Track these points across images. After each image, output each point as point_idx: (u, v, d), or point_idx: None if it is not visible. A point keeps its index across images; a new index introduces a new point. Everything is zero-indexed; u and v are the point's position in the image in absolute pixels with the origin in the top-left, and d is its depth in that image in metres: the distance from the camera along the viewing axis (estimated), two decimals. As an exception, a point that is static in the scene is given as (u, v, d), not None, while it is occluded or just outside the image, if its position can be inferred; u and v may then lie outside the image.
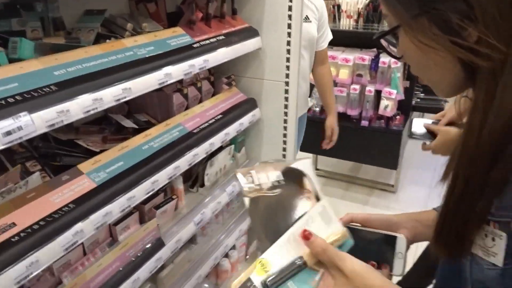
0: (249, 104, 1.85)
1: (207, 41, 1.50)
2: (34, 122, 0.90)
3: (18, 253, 0.92)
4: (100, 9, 1.33)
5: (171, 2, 1.72)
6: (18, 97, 0.90)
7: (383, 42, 0.72)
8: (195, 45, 1.44)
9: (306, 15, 2.14)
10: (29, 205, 1.01)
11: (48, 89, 0.97)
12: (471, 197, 0.61)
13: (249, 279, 0.65)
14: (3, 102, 0.88)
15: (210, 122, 1.60)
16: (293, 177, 0.76)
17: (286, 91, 1.87)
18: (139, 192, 1.24)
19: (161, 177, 1.33)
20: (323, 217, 0.71)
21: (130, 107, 1.60)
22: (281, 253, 0.67)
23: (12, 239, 0.93)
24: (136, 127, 1.46)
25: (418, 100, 3.78)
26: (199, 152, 1.49)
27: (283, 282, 0.66)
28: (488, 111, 0.58)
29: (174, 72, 1.31)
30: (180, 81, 1.64)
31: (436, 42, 0.61)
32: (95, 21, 1.29)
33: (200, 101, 1.74)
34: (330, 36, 2.50)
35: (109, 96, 1.09)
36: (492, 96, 0.58)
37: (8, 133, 0.85)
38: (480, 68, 0.60)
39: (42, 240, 0.97)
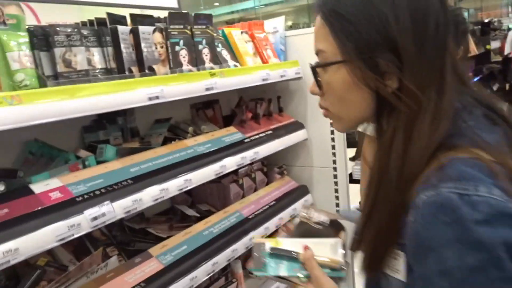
0: (300, 191, 1.98)
1: (257, 136, 1.72)
2: (114, 209, 1.10)
3: (98, 326, 1.07)
4: (167, 117, 1.62)
5: (227, 107, 2.00)
6: (103, 190, 1.13)
7: (314, 72, 0.80)
8: (246, 140, 1.66)
9: None
10: (108, 284, 1.18)
11: (125, 183, 1.19)
12: (387, 229, 0.72)
13: (264, 243, 0.97)
14: (91, 194, 1.10)
15: (265, 208, 1.75)
16: (336, 226, 1.03)
17: (335, 176, 1.99)
18: (201, 273, 1.37)
19: (220, 259, 1.46)
20: (332, 247, 0.96)
21: (193, 198, 1.80)
22: (291, 245, 0.96)
23: (94, 313, 1.09)
24: (198, 215, 1.63)
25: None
26: (255, 236, 1.62)
27: (280, 257, 0.94)
28: (408, 148, 0.68)
29: (228, 164, 1.51)
30: (236, 173, 1.83)
31: (367, 82, 0.71)
32: (163, 127, 1.56)
33: (255, 190, 1.90)
34: None
35: (174, 186, 1.30)
36: (410, 137, 0.68)
37: (95, 218, 1.05)
38: (398, 111, 0.70)
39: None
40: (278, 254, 0.95)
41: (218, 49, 1.56)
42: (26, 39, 0.98)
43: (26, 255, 0.91)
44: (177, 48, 1.36)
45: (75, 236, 1.01)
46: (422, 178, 0.66)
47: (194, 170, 1.38)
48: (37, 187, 1.05)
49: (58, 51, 1.03)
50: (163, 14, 1.41)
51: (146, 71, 1.26)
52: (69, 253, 1.26)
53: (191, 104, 1.87)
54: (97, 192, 1.11)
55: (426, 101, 0.69)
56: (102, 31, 1.16)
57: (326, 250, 0.96)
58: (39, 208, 0.99)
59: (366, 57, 0.70)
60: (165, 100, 1.25)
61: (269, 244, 0.97)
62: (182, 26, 1.37)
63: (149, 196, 1.21)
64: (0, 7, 0.91)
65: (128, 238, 1.43)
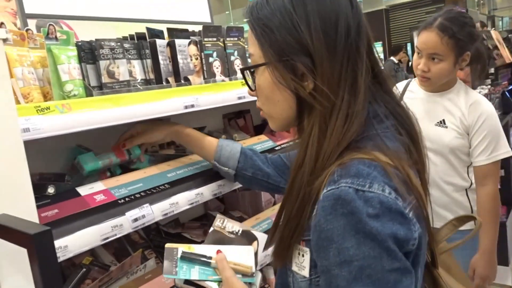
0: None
1: (287, 144, 1.75)
2: (153, 212, 1.16)
3: (138, 323, 1.12)
4: (200, 126, 1.68)
5: (257, 117, 2.05)
6: (142, 193, 1.19)
7: (246, 73, 0.87)
8: (277, 148, 1.70)
9: (443, 119, 1.79)
10: (147, 284, 1.23)
11: (163, 187, 1.25)
12: (294, 218, 0.76)
13: (176, 248, 0.97)
14: (132, 197, 1.17)
15: (296, 215, 1.77)
16: (248, 237, 1.08)
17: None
18: (234, 276, 1.41)
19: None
20: (245, 254, 0.99)
21: (225, 205, 1.85)
22: (204, 250, 0.97)
23: (134, 311, 1.14)
24: (231, 221, 1.68)
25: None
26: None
27: (192, 262, 0.95)
28: (322, 143, 0.74)
29: (260, 170, 1.55)
30: (267, 181, 1.87)
31: (287, 83, 0.77)
32: (197, 136, 1.62)
33: (286, 198, 1.93)
34: (499, 151, 1.76)
35: (208, 191, 1.35)
36: (324, 133, 0.74)
37: (136, 219, 1.11)
38: (314, 110, 0.75)
39: (157, 312, 1.16)
40: (190, 258, 0.95)
41: (250, 60, 1.62)
42: (75, 53, 1.07)
43: (74, 252, 0.97)
44: (210, 59, 1.42)
45: (118, 236, 1.07)
46: (328, 173, 0.72)
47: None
48: (83, 190, 1.12)
49: (102, 64, 1.11)
50: (197, 28, 1.49)
51: (182, 81, 1.33)
52: (110, 254, 1.33)
53: (223, 114, 1.93)
54: (137, 195, 1.18)
55: (339, 101, 0.74)
56: (142, 44, 1.24)
57: (239, 256, 0.98)
58: (85, 209, 1.06)
59: (285, 60, 0.76)
60: (200, 108, 1.31)
61: (182, 248, 0.97)
62: (215, 39, 1.44)
63: (185, 199, 1.27)
64: (53, 24, 1.00)
65: (165, 242, 1.48)
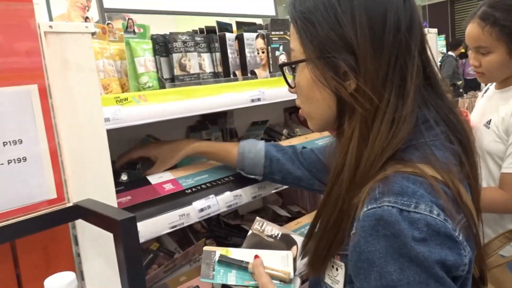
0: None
1: (350, 140, 1.72)
2: (218, 203, 1.18)
3: (200, 311, 1.15)
4: (263, 120, 1.69)
5: (318, 111, 2.03)
6: (208, 184, 1.22)
7: (285, 70, 0.82)
8: (339, 144, 1.67)
9: (490, 119, 1.59)
10: (208, 273, 1.26)
11: (227, 179, 1.27)
12: (331, 230, 0.70)
13: (214, 251, 0.96)
14: (198, 187, 1.19)
15: (355, 213, 1.74)
16: (288, 241, 1.05)
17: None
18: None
19: (311, 260, 1.48)
20: (283, 259, 0.96)
21: (283, 199, 1.85)
22: (242, 255, 0.96)
23: (196, 299, 1.17)
24: (289, 215, 1.68)
25: None
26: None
27: (229, 266, 0.93)
28: (363, 150, 0.67)
29: (322, 166, 1.53)
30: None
31: (327, 82, 0.71)
32: (260, 129, 1.63)
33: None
34: None
35: (270, 185, 1.35)
36: (365, 139, 0.67)
37: (202, 210, 1.14)
38: (356, 113, 0.69)
39: (218, 300, 1.19)
40: (228, 262, 0.93)
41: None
42: (150, 46, 1.10)
43: (145, 238, 1.01)
44: (277, 53, 1.42)
45: (185, 224, 1.11)
46: (369, 187, 0.65)
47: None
48: (153, 179, 1.17)
49: (175, 57, 1.14)
50: (260, 20, 1.49)
51: (249, 74, 1.34)
52: (174, 242, 1.37)
53: (284, 108, 1.93)
54: (203, 186, 1.21)
55: (384, 104, 0.67)
56: (212, 38, 1.26)
57: (277, 261, 0.94)
58: (155, 197, 1.11)
59: (326, 57, 0.70)
60: (266, 102, 1.32)
61: (219, 252, 0.95)
62: (282, 32, 1.43)
63: (248, 192, 1.28)
64: (132, 17, 1.04)
65: (225, 233, 1.52)
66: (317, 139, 1.63)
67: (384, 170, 0.66)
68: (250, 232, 1.07)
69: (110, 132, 0.93)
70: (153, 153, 1.22)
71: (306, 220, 1.60)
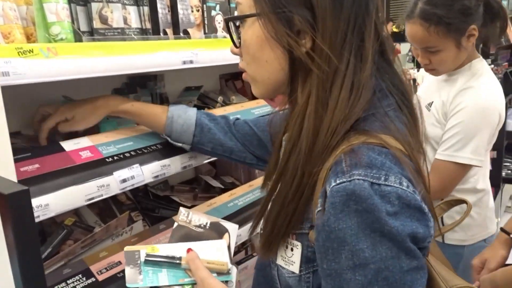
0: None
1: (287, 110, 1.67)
2: (143, 173, 1.08)
3: (121, 287, 1.06)
4: (197, 85, 1.58)
5: (255, 80, 1.95)
6: (132, 153, 1.11)
7: (231, 25, 0.74)
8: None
9: (432, 101, 1.53)
10: (132, 247, 1.17)
11: (155, 147, 1.17)
12: (289, 206, 0.66)
13: (138, 250, 0.83)
14: (121, 156, 1.08)
15: (289, 184, 1.71)
16: (218, 229, 0.97)
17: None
18: (224, 244, 1.35)
19: (243, 232, 1.43)
20: (217, 249, 0.89)
21: (217, 170, 1.78)
22: (171, 250, 0.85)
23: (118, 275, 1.08)
24: (222, 187, 1.61)
25: (509, 171, 3.56)
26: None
27: (158, 265, 0.82)
28: (322, 116, 0.63)
29: (257, 136, 1.47)
30: (262, 148, 1.80)
31: (280, 38, 0.66)
32: (193, 95, 1.53)
33: (280, 166, 1.87)
34: (461, 153, 1.41)
35: (202, 156, 1.27)
36: (324, 104, 0.63)
37: (124, 180, 1.03)
38: (311, 75, 0.65)
39: (141, 278, 1.10)
40: (156, 261, 0.82)
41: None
42: (64, -9, 0.95)
43: (56, 211, 0.90)
44: (213, 12, 1.31)
45: (104, 196, 1.00)
46: (333, 159, 0.61)
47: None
48: (67, 145, 1.03)
49: (95, 6, 0.99)
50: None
51: (181, 34, 1.22)
52: (95, 214, 1.26)
53: (220, 74, 1.83)
54: (127, 155, 1.09)
55: (343, 66, 0.63)
56: (139, -11, 1.12)
57: (211, 252, 0.87)
58: (70, 166, 0.98)
59: (280, 11, 0.65)
60: (199, 65, 1.21)
61: (144, 251, 0.84)
62: (219, -10, 1.32)
63: (178, 162, 1.19)
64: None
65: (153, 205, 1.42)
66: (253, 108, 1.56)
67: (347, 141, 0.62)
68: (175, 224, 0.96)
69: (11, 89, 0.78)
70: (70, 114, 1.06)
71: (239, 191, 1.55)
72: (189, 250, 0.84)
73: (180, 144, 1.14)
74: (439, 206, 0.96)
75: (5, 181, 0.56)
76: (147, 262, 0.82)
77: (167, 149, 1.18)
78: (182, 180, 1.69)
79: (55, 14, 0.92)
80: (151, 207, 1.40)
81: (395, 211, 0.57)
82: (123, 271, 1.10)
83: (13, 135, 1.12)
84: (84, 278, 1.04)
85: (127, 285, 0.81)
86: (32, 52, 0.82)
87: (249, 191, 1.57)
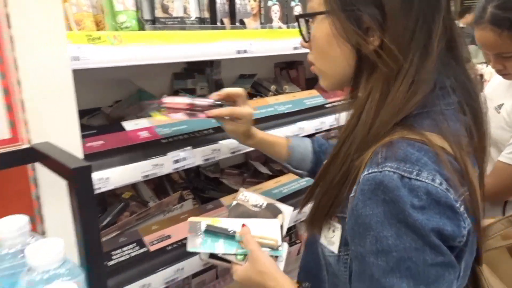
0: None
1: (339, 103, 1.67)
2: (194, 155, 1.15)
3: (170, 259, 1.15)
4: (251, 73, 1.63)
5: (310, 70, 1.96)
6: (186, 136, 1.18)
7: (301, 22, 0.77)
8: (327, 105, 1.62)
9: (502, 103, 1.47)
10: (182, 224, 1.25)
11: (207, 132, 1.23)
12: (334, 188, 0.69)
13: (200, 222, 0.96)
14: (176, 138, 1.16)
15: (337, 175, 1.72)
16: (273, 210, 1.05)
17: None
18: (267, 228, 1.40)
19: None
20: (270, 227, 0.96)
21: (267, 156, 1.82)
22: (228, 224, 0.95)
23: (167, 248, 1.17)
24: (270, 173, 1.66)
25: None
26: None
27: (216, 235, 0.94)
28: (380, 109, 0.65)
29: (307, 126, 1.50)
30: (312, 137, 1.82)
31: (348, 36, 0.67)
32: (247, 83, 1.58)
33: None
34: None
35: (251, 141, 1.32)
36: (384, 97, 0.65)
37: (177, 161, 1.11)
38: (376, 71, 0.66)
39: (189, 252, 1.18)
40: (215, 232, 0.93)
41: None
42: (131, -18, 1.02)
43: (115, 185, 0.99)
44: (269, 3, 1.34)
45: (158, 175, 1.08)
46: (373, 150, 0.64)
47: (273, 128, 1.39)
48: (128, 125, 1.12)
49: (158, -4, 1.06)
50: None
51: (237, 23, 1.27)
52: (150, 190, 1.35)
53: (275, 62, 1.86)
54: (181, 137, 1.17)
55: (407, 64, 0.64)
56: (199, -21, 1.17)
57: (264, 229, 0.95)
58: (130, 144, 1.07)
59: (349, 10, 0.66)
60: (253, 55, 1.25)
61: (206, 222, 0.95)
62: (277, -19, 1.34)
63: (227, 148, 1.25)
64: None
65: (203, 185, 1.50)
66: (305, 99, 1.58)
67: (391, 134, 0.65)
68: (234, 202, 1.06)
69: (81, 73, 0.87)
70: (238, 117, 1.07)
71: (285, 179, 1.59)
72: (243, 225, 0.93)
73: (299, 171, 1.18)
74: (508, 218, 0.93)
75: (72, 157, 0.64)
76: (206, 232, 0.94)
77: (218, 134, 1.24)
78: (232, 163, 1.76)
79: (122, 4, 1.00)
80: (201, 188, 1.48)
81: (422, 205, 0.59)
82: (172, 244, 1.19)
83: (93, 110, 1.24)
84: (137, 247, 1.14)
85: (188, 249, 0.94)
86: (100, 39, 0.90)
87: (294, 180, 1.60)
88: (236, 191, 1.47)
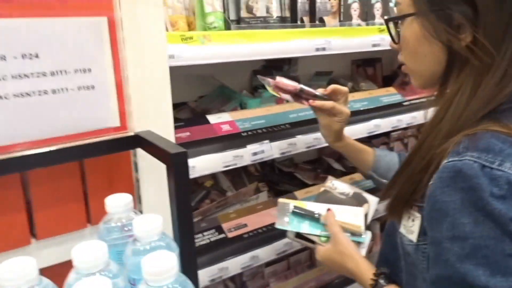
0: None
1: (417, 101, 1.63)
2: (272, 148, 1.21)
3: (246, 246, 1.22)
4: (327, 70, 1.65)
5: (388, 66, 1.93)
6: (264, 130, 1.24)
7: (390, 25, 0.78)
8: (405, 103, 1.59)
9: None
10: (257, 214, 1.32)
11: (284, 126, 1.28)
12: (416, 177, 0.69)
13: (288, 203, 1.03)
14: (254, 132, 1.22)
15: (413, 175, 1.68)
16: (359, 199, 1.09)
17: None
18: (340, 224, 1.42)
19: (360, 215, 1.48)
20: (354, 214, 1.00)
21: (340, 153, 1.83)
22: (315, 207, 1.01)
23: (244, 235, 1.24)
24: (344, 170, 1.67)
25: None
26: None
27: (303, 217, 1.00)
28: (470, 102, 0.66)
29: (383, 124, 1.49)
30: (388, 136, 1.79)
31: (438, 35, 0.68)
32: (323, 80, 1.60)
33: (405, 156, 1.84)
34: None
35: (326, 137, 1.34)
36: (475, 91, 0.65)
37: (255, 153, 1.17)
38: (467, 67, 0.66)
39: (263, 241, 1.24)
40: (301, 213, 0.99)
41: (392, 4, 1.50)
42: (219, -15, 1.10)
43: (199, 173, 1.07)
44: (349, 0, 1.35)
45: (237, 165, 1.15)
46: (456, 140, 0.64)
47: (347, 125, 1.40)
48: (212, 119, 1.21)
49: (243, -2, 1.13)
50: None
51: (317, 21, 1.30)
52: (228, 180, 1.43)
53: (352, 59, 1.86)
54: (259, 131, 1.23)
55: (500, 58, 0.64)
56: (281, -20, 1.22)
57: (348, 216, 0.99)
58: (213, 136, 1.15)
59: (438, 10, 0.67)
60: (331, 52, 1.28)
61: (293, 204, 1.01)
62: (358, -22, 1.35)
63: (303, 142, 1.28)
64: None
65: (277, 178, 1.55)
66: (382, 96, 1.57)
67: (476, 126, 0.66)
68: (322, 189, 1.12)
69: (172, 70, 0.96)
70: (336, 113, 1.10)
71: (358, 177, 1.59)
72: (329, 209, 0.99)
73: (383, 181, 1.18)
74: None
75: (171, 144, 0.72)
76: (294, 213, 1.01)
77: (294, 129, 1.28)
78: (306, 159, 1.80)
79: (211, 5, 1.08)
80: (276, 181, 1.54)
81: (503, 194, 0.59)
82: (248, 232, 1.26)
83: (180, 104, 1.35)
84: (216, 233, 1.22)
85: (276, 226, 1.02)
86: (192, 39, 0.99)
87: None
88: (308, 185, 1.50)
